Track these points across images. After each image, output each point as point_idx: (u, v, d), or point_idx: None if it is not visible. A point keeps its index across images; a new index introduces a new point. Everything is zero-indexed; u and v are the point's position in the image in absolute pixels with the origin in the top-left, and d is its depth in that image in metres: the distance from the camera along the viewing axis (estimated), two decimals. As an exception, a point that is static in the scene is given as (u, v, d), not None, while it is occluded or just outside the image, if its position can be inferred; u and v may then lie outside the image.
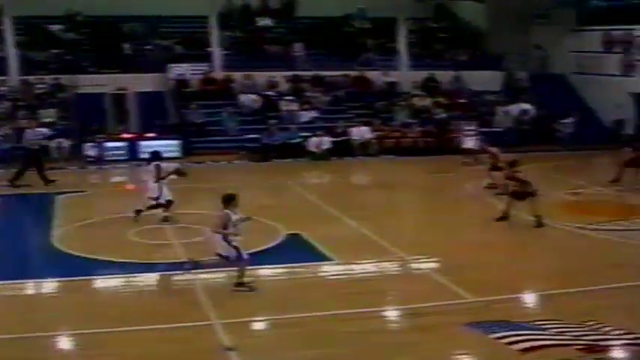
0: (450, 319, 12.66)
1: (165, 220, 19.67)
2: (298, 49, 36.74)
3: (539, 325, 12.16)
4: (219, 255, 14.04)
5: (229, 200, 14.06)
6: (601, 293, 14.01)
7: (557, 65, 38.21)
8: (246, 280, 14.08)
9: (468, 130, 30.40)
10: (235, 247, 13.92)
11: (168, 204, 19.69)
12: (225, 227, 13.87)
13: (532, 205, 19.41)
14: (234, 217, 13.94)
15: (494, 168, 23.63)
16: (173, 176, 20.05)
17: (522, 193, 19.54)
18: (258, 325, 12.80)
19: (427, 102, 34.92)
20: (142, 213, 19.56)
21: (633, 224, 19.68)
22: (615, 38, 35.82)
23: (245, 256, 14.01)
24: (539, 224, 19.16)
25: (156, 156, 20.34)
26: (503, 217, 19.76)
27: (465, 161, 28.68)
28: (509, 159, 21.04)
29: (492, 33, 39.16)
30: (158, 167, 19.73)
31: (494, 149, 24.66)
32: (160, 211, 19.77)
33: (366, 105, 34.59)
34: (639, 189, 23.96)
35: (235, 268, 14.10)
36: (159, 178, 19.61)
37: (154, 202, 19.65)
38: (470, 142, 29.47)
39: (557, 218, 19.93)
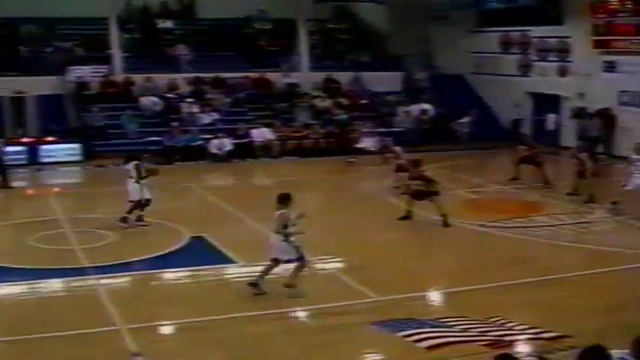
0: (357, 319, 12.80)
1: (140, 220, 19.52)
2: (182, 50, 36.41)
3: (444, 322, 12.37)
4: (275, 260, 14.05)
5: (287, 199, 14.21)
6: (504, 289, 14.34)
7: (457, 65, 38.76)
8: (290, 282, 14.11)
9: (365, 131, 30.49)
10: (296, 247, 14.02)
11: (147, 203, 19.50)
12: (285, 227, 13.92)
13: (437, 205, 19.71)
14: (292, 216, 14.02)
15: (400, 168, 23.92)
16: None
17: (424, 192, 19.82)
18: (165, 330, 12.72)
19: (328, 103, 35.05)
20: (127, 216, 19.29)
21: (532, 221, 20.16)
22: (512, 39, 36.59)
23: (305, 256, 14.09)
24: (446, 224, 19.46)
25: (134, 156, 20.07)
26: (406, 217, 20.02)
27: (350, 161, 28.82)
28: (412, 159, 21.30)
29: (392, 34, 39.54)
30: (138, 167, 19.48)
31: (397, 149, 24.93)
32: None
33: (267, 106, 34.57)
34: (536, 186, 24.51)
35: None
36: (140, 178, 19.36)
37: (134, 204, 19.37)
38: (366, 142, 29.56)
39: (459, 216, 20.25)
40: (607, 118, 31.19)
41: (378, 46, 40.35)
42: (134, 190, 19.33)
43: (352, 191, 25.11)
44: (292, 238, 14.00)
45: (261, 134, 31.91)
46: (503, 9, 35.39)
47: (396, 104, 36.21)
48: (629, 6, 29.69)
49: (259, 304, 13.34)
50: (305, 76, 36.50)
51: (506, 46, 37.06)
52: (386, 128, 33.22)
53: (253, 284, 14.06)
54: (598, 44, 31.52)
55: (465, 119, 34.62)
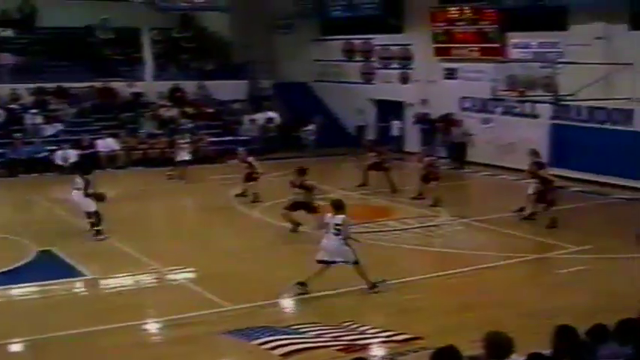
0: (210, 329, 12.74)
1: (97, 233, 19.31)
2: (6, 59, 35.39)
3: (297, 329, 12.45)
4: (331, 262, 14.53)
5: (343, 205, 14.87)
6: (356, 293, 14.53)
7: (301, 73, 39.08)
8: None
9: (183, 143, 29.94)
10: (353, 250, 14.53)
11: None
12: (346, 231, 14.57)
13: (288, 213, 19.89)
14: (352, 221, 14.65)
15: (249, 177, 23.95)
16: None
17: (301, 203, 19.94)
18: (14, 348, 12.32)
19: (173, 112, 34.75)
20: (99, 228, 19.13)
21: (380, 226, 20.49)
22: (355, 47, 37.18)
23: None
24: (295, 230, 19.65)
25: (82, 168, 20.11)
26: (296, 229, 19.97)
27: (170, 174, 28.43)
28: (297, 167, 21.32)
29: (237, 42, 39.52)
30: (88, 181, 19.20)
31: (250, 158, 24.89)
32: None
33: (113, 116, 33.98)
34: (384, 191, 24.93)
35: None
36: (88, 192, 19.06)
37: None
38: (182, 155, 29.02)
39: (308, 222, 20.42)
40: (448, 123, 32.03)
41: (223, 54, 40.27)
42: (88, 202, 19.15)
43: (201, 200, 24.93)
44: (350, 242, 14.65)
45: (106, 145, 31.31)
46: (346, 18, 35.87)
47: (241, 112, 36.24)
48: (468, 14, 30.58)
49: (112, 318, 13.10)
50: (150, 85, 36.05)
51: (349, 54, 37.62)
52: (232, 136, 33.22)
53: (301, 283, 14.45)
54: (439, 52, 32.37)
55: (311, 126, 34.91)
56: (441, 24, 31.78)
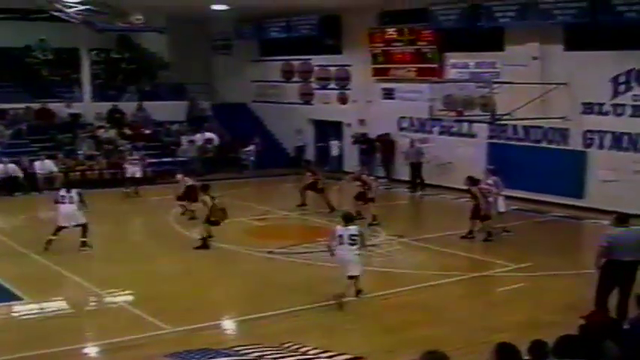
0: (150, 352, 12.59)
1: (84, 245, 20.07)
2: None
3: (239, 350, 12.33)
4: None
5: (353, 218, 16.08)
6: (296, 314, 14.49)
7: (240, 94, 39.09)
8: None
9: (133, 159, 29.92)
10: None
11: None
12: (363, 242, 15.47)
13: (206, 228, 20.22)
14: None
15: (183, 197, 23.92)
16: None
17: (214, 220, 19.97)
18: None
19: (112, 133, 34.47)
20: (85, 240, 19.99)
21: (319, 246, 20.44)
22: (294, 68, 37.26)
23: None
24: (204, 246, 19.99)
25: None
26: (203, 246, 19.99)
27: (127, 192, 28.40)
28: (199, 184, 21.29)
29: (176, 63, 39.40)
30: (80, 194, 20.39)
31: (180, 176, 24.84)
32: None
33: (50, 138, 33.59)
34: (322, 212, 24.93)
35: None
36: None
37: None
38: (133, 171, 29.05)
39: (246, 244, 20.43)
40: (387, 143, 32.21)
41: (162, 75, 40.11)
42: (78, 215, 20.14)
43: (139, 222, 24.73)
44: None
45: (44, 166, 30.88)
46: (284, 39, 35.97)
47: (180, 133, 36.08)
48: (406, 35, 30.83)
49: (49, 342, 12.88)
50: (88, 106, 35.75)
51: (288, 74, 37.69)
52: (170, 158, 33.08)
53: (339, 300, 14.89)
54: (377, 72, 32.57)
55: (250, 147, 34.88)
56: (379, 44, 32.01)
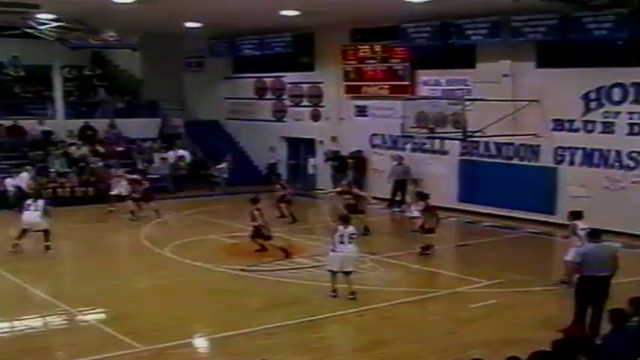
0: (122, 370, 12.52)
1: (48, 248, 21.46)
2: None
3: (211, 368, 12.31)
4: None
5: (349, 219, 17.48)
6: (270, 332, 14.44)
7: (212, 111, 39.05)
8: None
9: (117, 176, 29.89)
10: None
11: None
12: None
13: None
14: None
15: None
16: None
17: None
18: None
19: (84, 150, 34.29)
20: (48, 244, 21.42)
21: (292, 263, 20.44)
22: (267, 85, 37.24)
23: None
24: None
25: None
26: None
27: (111, 209, 28.33)
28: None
29: (148, 80, 39.34)
30: (46, 204, 22.02)
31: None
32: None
33: (22, 155, 33.36)
34: (296, 228, 24.95)
35: None
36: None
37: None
38: (119, 188, 29.00)
39: (219, 261, 20.35)
40: (359, 160, 32.25)
41: (134, 92, 40.06)
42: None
43: (111, 240, 24.58)
44: None
45: (16, 183, 30.60)
46: (257, 56, 35.96)
47: (152, 151, 35.96)
48: (379, 52, 30.94)
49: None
50: (60, 123, 35.55)
51: (260, 91, 37.64)
52: (142, 175, 32.93)
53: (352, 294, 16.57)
54: (349, 89, 32.63)
55: (223, 164, 34.80)
56: (352, 62, 32.09)
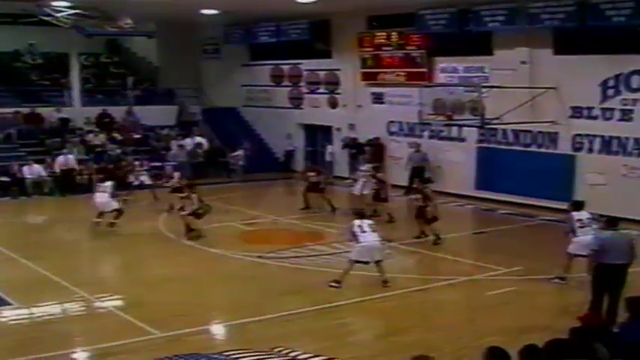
0: (140, 357, 12.60)
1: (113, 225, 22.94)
2: None
3: (229, 355, 12.33)
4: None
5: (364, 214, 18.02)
6: (286, 319, 14.50)
7: (230, 98, 39.03)
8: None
9: (139, 167, 30.07)
10: None
11: None
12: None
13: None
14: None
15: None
16: None
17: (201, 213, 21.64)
18: None
19: (101, 138, 34.38)
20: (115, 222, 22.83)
21: (309, 250, 20.47)
22: (284, 72, 37.21)
23: None
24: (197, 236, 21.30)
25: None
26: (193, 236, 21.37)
27: (126, 199, 28.34)
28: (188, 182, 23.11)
29: (165, 68, 39.40)
30: (114, 186, 23.60)
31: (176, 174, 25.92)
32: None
33: (39, 142, 33.48)
34: (313, 216, 24.97)
35: None
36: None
37: None
38: (141, 178, 29.19)
39: (236, 248, 20.39)
40: (376, 147, 32.20)
41: (151, 79, 40.11)
42: None
43: (128, 227, 24.63)
44: None
45: (33, 171, 30.75)
46: (274, 43, 35.92)
47: (169, 138, 36.00)
48: (395, 39, 30.86)
49: (39, 347, 12.85)
50: (78, 110, 35.66)
51: (277, 79, 37.61)
52: (160, 162, 32.99)
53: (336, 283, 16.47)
54: (366, 76, 32.57)
55: (240, 152, 34.82)
56: (369, 49, 32.01)
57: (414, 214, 22.12)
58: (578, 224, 16.47)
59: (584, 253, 15.33)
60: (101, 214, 23.11)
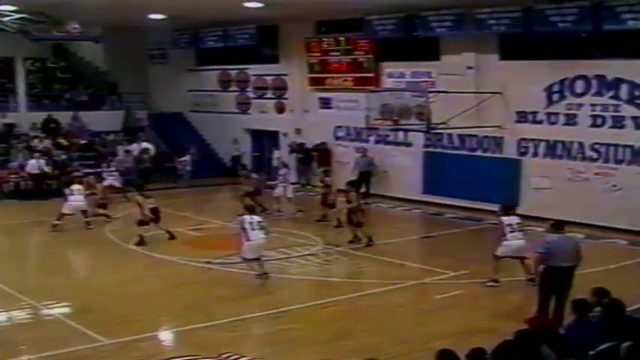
0: (87, 364, 12.45)
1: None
2: None
3: (177, 362, 12.28)
4: None
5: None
6: (235, 325, 14.44)
7: (176, 103, 38.87)
8: None
9: (110, 170, 30.04)
10: None
11: None
12: None
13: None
14: None
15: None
16: None
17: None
18: None
19: (47, 143, 34.01)
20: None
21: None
22: (231, 77, 37.13)
23: None
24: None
25: None
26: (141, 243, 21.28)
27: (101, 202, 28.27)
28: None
29: (111, 72, 39.14)
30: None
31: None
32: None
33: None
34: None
35: None
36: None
37: None
38: (110, 181, 29.09)
39: (183, 254, 20.28)
40: (323, 153, 32.26)
41: (97, 84, 39.79)
42: None
43: (74, 233, 24.39)
44: None
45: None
46: (221, 48, 35.84)
47: (116, 143, 35.73)
48: (343, 44, 30.94)
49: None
50: (23, 116, 35.28)
51: (225, 84, 37.54)
52: (106, 168, 32.72)
53: None
54: (313, 81, 32.63)
55: (187, 157, 34.67)
56: (316, 54, 32.08)
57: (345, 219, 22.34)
58: (508, 229, 16.79)
59: (512, 256, 16.78)
60: (61, 217, 23.65)
